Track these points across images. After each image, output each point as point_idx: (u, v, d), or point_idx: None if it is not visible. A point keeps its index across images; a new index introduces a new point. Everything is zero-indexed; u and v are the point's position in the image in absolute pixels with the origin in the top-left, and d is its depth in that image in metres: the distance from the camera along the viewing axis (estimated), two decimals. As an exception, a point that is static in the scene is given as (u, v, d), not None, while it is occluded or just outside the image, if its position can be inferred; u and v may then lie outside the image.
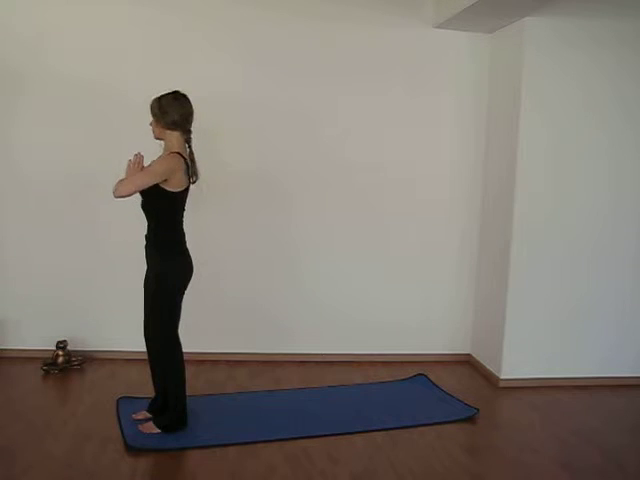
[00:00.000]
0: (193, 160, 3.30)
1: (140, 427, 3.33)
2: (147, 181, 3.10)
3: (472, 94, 4.65)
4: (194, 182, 3.32)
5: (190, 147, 3.27)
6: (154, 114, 3.21)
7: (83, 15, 4.22)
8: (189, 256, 3.33)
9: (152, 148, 3.24)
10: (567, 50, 4.15)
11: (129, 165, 3.20)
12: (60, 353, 4.21)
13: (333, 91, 4.49)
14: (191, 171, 3.25)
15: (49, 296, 4.39)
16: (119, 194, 3.10)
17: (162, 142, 3.26)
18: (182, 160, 3.17)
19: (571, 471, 3.15)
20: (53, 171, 4.29)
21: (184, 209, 3.31)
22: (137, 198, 3.20)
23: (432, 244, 4.74)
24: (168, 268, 3.26)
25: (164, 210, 3.23)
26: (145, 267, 3.33)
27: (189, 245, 3.34)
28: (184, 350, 3.34)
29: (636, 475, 3.20)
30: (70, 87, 4.24)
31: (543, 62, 4.13)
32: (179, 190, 3.18)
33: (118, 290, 4.38)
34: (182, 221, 3.31)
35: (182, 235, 3.31)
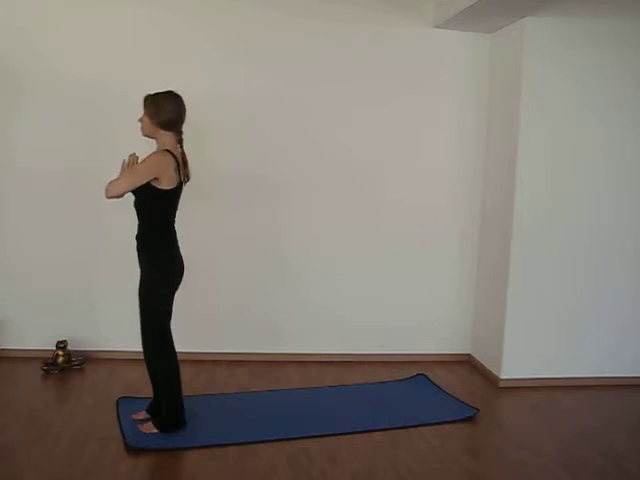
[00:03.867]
0: (185, 161, 3.25)
1: (140, 427, 3.33)
2: (136, 181, 3.09)
3: (472, 94, 4.65)
4: (185, 182, 3.27)
5: (182, 148, 3.23)
6: (149, 110, 3.16)
7: (83, 16, 4.22)
8: (179, 256, 3.29)
9: (149, 148, 3.22)
10: (567, 50, 4.16)
11: (123, 165, 3.19)
12: (60, 353, 4.21)
13: (332, 91, 4.49)
14: (182, 173, 3.21)
15: (49, 296, 4.39)
16: (110, 194, 3.11)
17: (153, 141, 3.22)
18: (172, 157, 3.12)
19: (571, 471, 3.15)
20: (53, 172, 4.28)
21: (176, 209, 3.28)
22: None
23: (432, 244, 4.74)
24: (159, 272, 3.23)
25: (156, 209, 3.21)
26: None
27: (183, 244, 3.33)
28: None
29: (636, 475, 3.20)
30: (70, 87, 4.23)
31: (543, 62, 4.13)
32: (171, 188, 3.14)
33: (118, 290, 4.37)
34: (174, 221, 3.28)
35: (173, 235, 3.28)
